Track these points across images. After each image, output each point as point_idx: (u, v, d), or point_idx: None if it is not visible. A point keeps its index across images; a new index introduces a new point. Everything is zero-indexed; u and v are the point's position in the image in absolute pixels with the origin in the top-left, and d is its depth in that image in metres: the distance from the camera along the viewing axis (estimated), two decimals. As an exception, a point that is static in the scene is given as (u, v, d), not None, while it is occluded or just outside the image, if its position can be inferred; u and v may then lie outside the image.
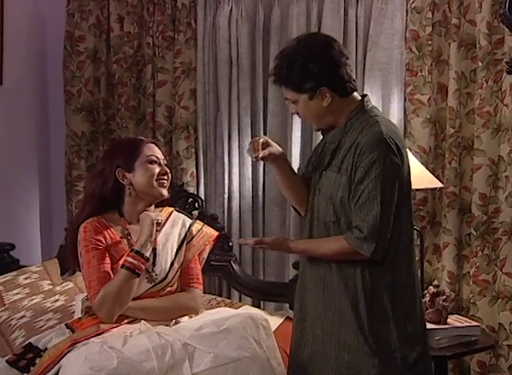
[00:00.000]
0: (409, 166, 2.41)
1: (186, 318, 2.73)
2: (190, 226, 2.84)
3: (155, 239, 2.71)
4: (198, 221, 2.90)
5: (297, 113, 2.45)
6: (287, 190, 2.57)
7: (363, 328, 2.33)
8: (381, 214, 2.27)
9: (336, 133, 2.40)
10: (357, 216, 2.30)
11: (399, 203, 2.33)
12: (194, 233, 2.84)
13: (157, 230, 2.72)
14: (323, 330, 2.40)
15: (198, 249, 2.84)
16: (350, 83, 2.39)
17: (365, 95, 2.46)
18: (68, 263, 3.33)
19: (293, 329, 2.55)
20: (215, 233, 2.92)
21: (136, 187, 2.72)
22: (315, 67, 2.32)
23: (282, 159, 2.51)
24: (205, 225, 2.92)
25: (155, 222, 2.68)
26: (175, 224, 2.82)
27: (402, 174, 2.35)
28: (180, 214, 2.87)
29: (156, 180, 2.72)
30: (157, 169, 2.73)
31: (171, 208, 2.87)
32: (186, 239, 2.81)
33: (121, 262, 2.64)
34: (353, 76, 2.42)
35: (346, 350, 2.35)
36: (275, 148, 2.47)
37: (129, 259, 2.61)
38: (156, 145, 2.82)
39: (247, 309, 3.21)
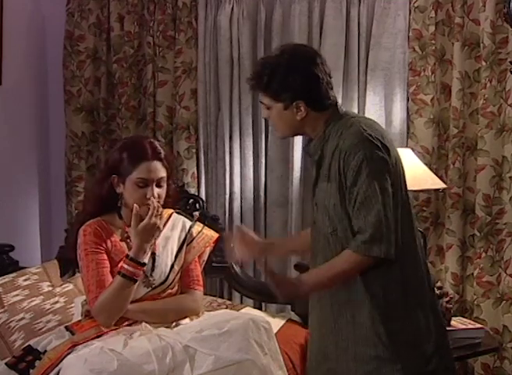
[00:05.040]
0: (400, 160, 2.35)
1: (186, 320, 2.71)
2: (190, 227, 2.81)
3: (154, 242, 2.68)
4: (198, 223, 2.87)
5: (268, 118, 2.44)
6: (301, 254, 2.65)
7: (379, 334, 2.28)
8: (383, 211, 2.21)
9: (317, 144, 2.36)
10: (358, 219, 2.24)
11: (395, 202, 2.26)
12: (194, 235, 2.81)
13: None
14: (337, 346, 2.35)
15: (198, 251, 2.81)
16: (327, 100, 2.35)
17: (336, 103, 2.41)
18: (69, 265, 3.34)
19: (308, 350, 2.54)
20: (215, 235, 2.89)
21: (125, 200, 2.67)
22: (295, 80, 2.30)
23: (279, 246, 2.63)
24: (205, 227, 2.90)
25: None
26: (174, 227, 2.79)
27: (390, 167, 2.27)
28: (180, 216, 2.84)
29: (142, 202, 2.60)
30: (145, 193, 2.59)
31: (170, 210, 2.83)
32: (187, 241, 2.78)
33: (120, 265, 2.60)
34: (333, 94, 2.37)
35: (366, 360, 2.30)
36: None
37: (125, 266, 2.56)
38: (160, 160, 2.63)
39: (249, 311, 3.21)
